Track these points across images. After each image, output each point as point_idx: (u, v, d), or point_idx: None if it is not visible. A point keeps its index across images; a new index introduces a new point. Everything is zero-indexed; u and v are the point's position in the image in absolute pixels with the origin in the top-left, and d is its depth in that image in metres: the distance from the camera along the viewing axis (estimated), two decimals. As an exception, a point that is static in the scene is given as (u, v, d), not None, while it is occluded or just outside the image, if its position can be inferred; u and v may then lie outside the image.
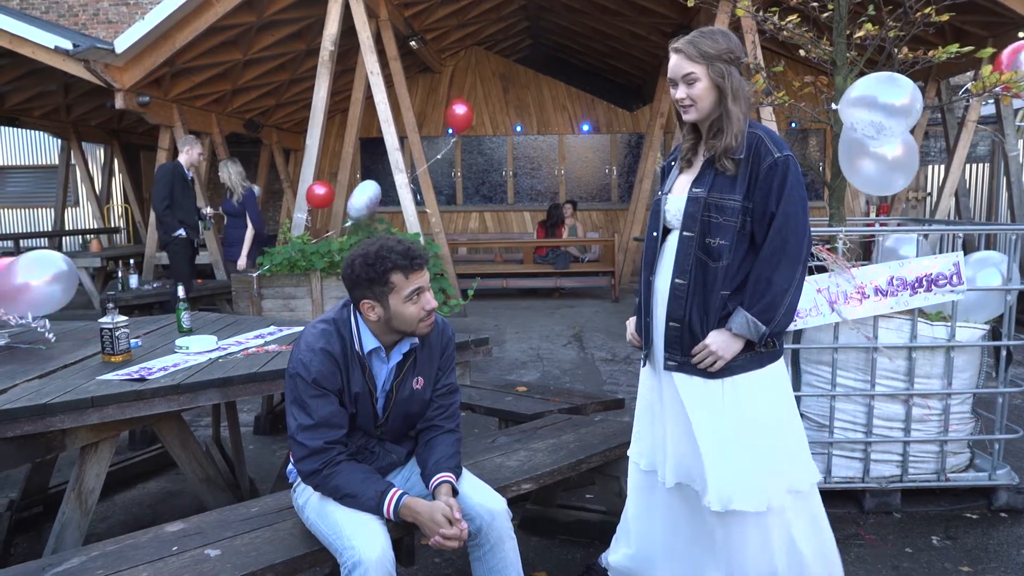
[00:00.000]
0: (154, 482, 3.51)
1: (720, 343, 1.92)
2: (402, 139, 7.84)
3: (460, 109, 6.75)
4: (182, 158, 5.98)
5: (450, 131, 7.19)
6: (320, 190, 6.82)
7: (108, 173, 12.58)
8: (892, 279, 2.89)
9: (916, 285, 2.93)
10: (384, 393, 1.95)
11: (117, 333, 2.64)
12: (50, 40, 6.42)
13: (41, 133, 11.58)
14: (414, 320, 1.85)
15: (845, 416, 3.07)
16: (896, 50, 3.24)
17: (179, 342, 2.80)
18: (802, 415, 3.09)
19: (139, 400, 2.28)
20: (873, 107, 2.83)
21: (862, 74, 3.26)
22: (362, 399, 1.91)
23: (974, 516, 3.02)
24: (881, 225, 3.74)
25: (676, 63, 1.90)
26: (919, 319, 2.96)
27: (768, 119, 5.84)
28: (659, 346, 2.07)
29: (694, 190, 1.95)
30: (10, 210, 13.32)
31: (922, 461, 3.09)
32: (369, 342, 1.90)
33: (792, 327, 2.96)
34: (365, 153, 11.58)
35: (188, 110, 8.20)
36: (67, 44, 6.39)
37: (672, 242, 2.02)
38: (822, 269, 2.90)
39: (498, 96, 11.73)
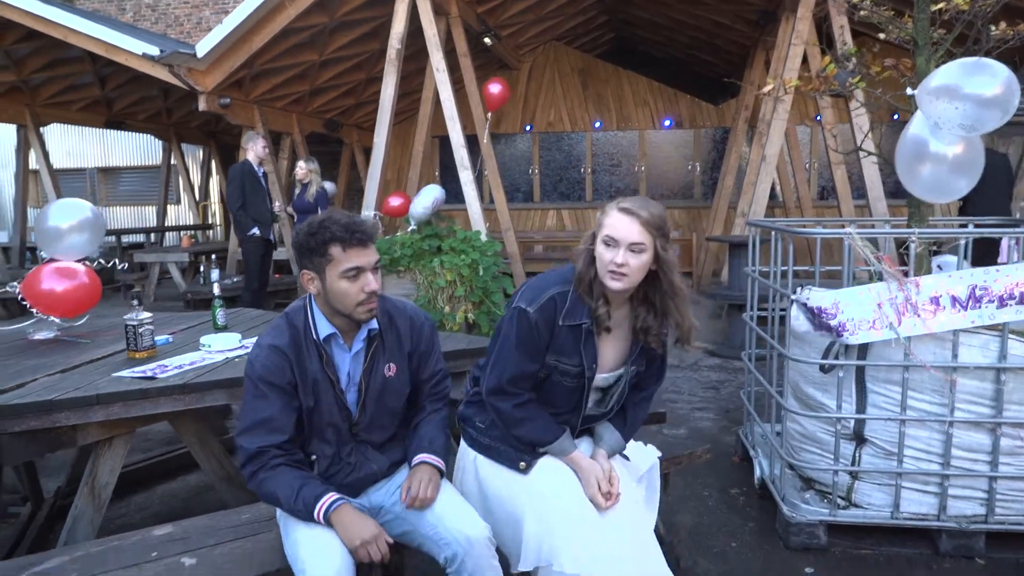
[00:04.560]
0: (195, 475, 3.57)
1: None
2: (471, 137, 7.78)
3: (495, 88, 6.60)
4: (249, 155, 6.14)
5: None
6: (395, 201, 6.76)
7: (206, 172, 13.30)
8: (974, 289, 2.51)
9: (1006, 297, 2.53)
10: (355, 386, 1.87)
11: (141, 330, 2.67)
12: (139, 47, 6.77)
13: (148, 135, 12.37)
14: (350, 301, 1.77)
15: (918, 444, 2.70)
16: (987, 26, 2.81)
17: (203, 340, 2.81)
18: (867, 439, 2.76)
19: (144, 399, 2.27)
20: (960, 97, 2.45)
21: (949, 55, 2.87)
22: (323, 389, 1.82)
23: (1075, 567, 2.58)
24: (976, 226, 3.28)
25: (628, 226, 1.75)
26: (1010, 336, 2.56)
27: (857, 110, 5.34)
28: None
29: (632, 368, 1.95)
30: (122, 208, 14.32)
31: (1012, 500, 2.68)
32: (324, 328, 1.84)
33: (854, 341, 2.64)
34: (443, 150, 11.62)
35: (269, 111, 8.47)
36: (154, 50, 6.72)
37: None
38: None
39: (577, 92, 11.49)
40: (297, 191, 6.90)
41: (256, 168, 6.24)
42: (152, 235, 12.27)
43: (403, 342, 1.93)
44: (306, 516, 1.71)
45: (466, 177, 6.81)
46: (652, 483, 2.09)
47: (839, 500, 2.79)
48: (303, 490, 1.72)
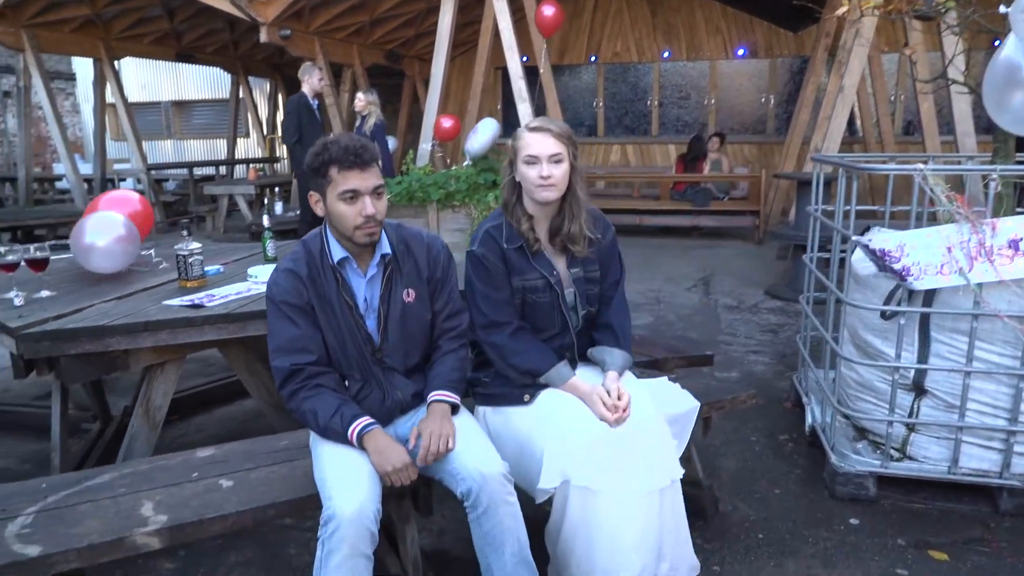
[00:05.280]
0: (251, 400, 3.69)
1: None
2: (532, 68, 7.54)
3: (548, 10, 6.34)
4: (305, 88, 6.12)
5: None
6: (447, 123, 6.79)
7: (273, 105, 13.46)
8: (1061, 233, 2.27)
9: (1098, 241, 2.29)
10: (374, 311, 1.89)
11: (191, 260, 2.74)
12: (200, -23, 6.78)
13: (219, 69, 12.55)
14: (348, 223, 1.79)
15: (983, 397, 2.53)
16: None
17: (250, 271, 2.87)
18: (927, 391, 2.61)
19: (189, 327, 2.35)
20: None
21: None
22: (341, 313, 1.85)
23: None
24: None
25: (543, 142, 1.94)
26: (1098, 285, 2.33)
27: (945, 32, 4.87)
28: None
29: (573, 270, 2.06)
30: (195, 140, 14.75)
31: (1084, 460, 2.50)
32: (337, 252, 1.87)
33: (919, 286, 2.46)
34: (505, 82, 11.36)
35: (329, 42, 8.43)
36: (215, -20, 6.72)
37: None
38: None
39: (645, 20, 10.94)
40: (357, 123, 6.90)
41: (311, 101, 6.23)
42: (222, 168, 12.61)
43: (421, 268, 1.95)
44: (340, 433, 1.77)
45: (524, 109, 6.65)
46: (684, 421, 2.06)
47: (892, 452, 2.67)
48: (342, 407, 1.79)
